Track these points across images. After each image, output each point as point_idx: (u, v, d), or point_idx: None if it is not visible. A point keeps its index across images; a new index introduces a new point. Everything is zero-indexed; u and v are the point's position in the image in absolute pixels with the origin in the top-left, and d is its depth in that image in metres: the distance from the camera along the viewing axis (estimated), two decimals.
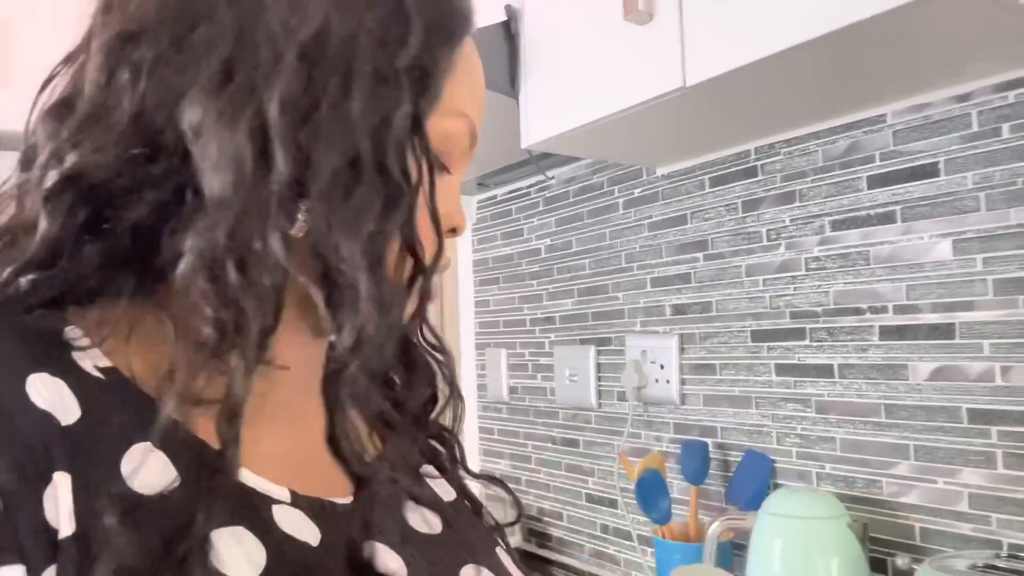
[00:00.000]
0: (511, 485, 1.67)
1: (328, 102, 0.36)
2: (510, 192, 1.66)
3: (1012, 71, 0.87)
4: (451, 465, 0.54)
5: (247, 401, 0.34)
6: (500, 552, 0.50)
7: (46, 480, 0.31)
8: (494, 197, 1.71)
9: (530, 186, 1.60)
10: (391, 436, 0.51)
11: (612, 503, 1.39)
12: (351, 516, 0.41)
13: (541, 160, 1.42)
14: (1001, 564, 0.79)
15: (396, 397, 0.53)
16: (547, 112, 1.06)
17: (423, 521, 0.46)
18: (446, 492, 0.51)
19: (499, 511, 0.58)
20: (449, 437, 0.55)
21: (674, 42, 0.86)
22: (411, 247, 0.40)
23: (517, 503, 0.56)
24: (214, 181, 0.34)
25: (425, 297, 0.43)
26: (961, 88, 0.92)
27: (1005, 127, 0.88)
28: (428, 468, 0.53)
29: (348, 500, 0.43)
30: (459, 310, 1.85)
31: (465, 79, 0.44)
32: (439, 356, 0.54)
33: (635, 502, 1.19)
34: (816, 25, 0.73)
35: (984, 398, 0.90)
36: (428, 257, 0.41)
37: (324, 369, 0.46)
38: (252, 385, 0.35)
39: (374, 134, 0.37)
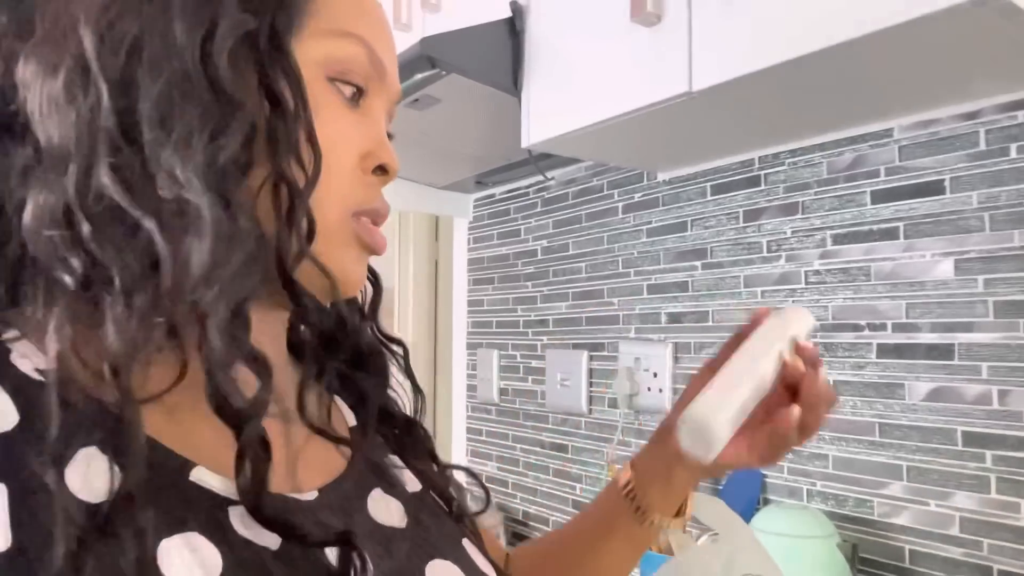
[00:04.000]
0: (498, 488, 1.65)
1: (149, 27, 0.35)
2: (508, 191, 1.65)
3: (1020, 91, 0.86)
4: (418, 457, 0.53)
5: (131, 357, 0.32)
6: (466, 543, 0.49)
7: None
8: (492, 196, 1.69)
9: (529, 186, 1.59)
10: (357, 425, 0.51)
11: None
12: (316, 512, 0.39)
13: (540, 160, 1.40)
14: None
15: (359, 388, 0.52)
16: (550, 112, 1.04)
17: (388, 514, 0.45)
18: (411, 483, 0.50)
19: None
20: (417, 427, 0.54)
21: (682, 46, 0.84)
22: (281, 175, 0.37)
23: (486, 492, 0.56)
24: (43, 132, 0.34)
25: (304, 227, 0.38)
26: (969, 106, 0.90)
27: (1013, 147, 0.87)
28: (393, 459, 0.51)
29: (313, 496, 0.40)
30: (452, 309, 1.83)
31: None
32: (393, 347, 0.54)
33: None
34: (824, 36, 0.71)
35: (980, 421, 0.88)
36: (306, 185, 0.38)
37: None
38: (133, 337, 0.32)
39: (202, 51, 0.35)
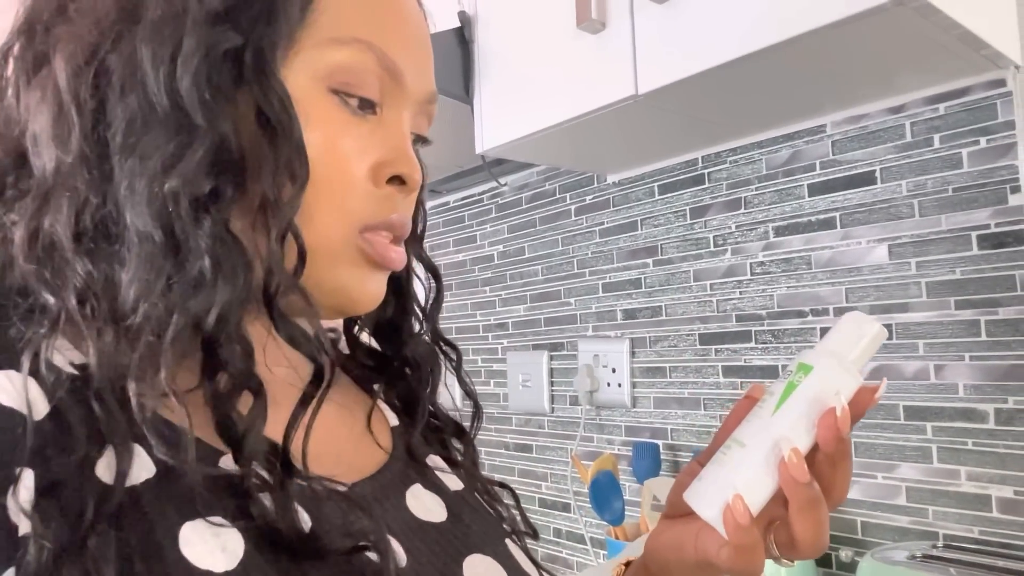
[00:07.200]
0: None
1: (118, 53, 0.35)
2: (462, 199, 1.67)
3: (941, 84, 0.92)
4: (468, 465, 0.53)
5: (118, 372, 0.33)
6: (510, 543, 0.48)
7: (10, 477, 0.30)
8: (446, 204, 1.71)
9: (482, 193, 1.61)
10: (403, 422, 0.51)
11: (565, 507, 1.41)
12: (347, 501, 0.39)
13: (494, 167, 1.43)
14: (938, 554, 0.83)
15: (409, 387, 0.52)
16: (501, 118, 1.07)
17: (426, 509, 0.45)
18: (453, 484, 0.50)
19: None
20: (467, 435, 0.54)
21: (626, 51, 0.88)
22: (264, 198, 0.36)
23: (528, 524, 0.52)
24: (37, 163, 0.35)
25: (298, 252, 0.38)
26: (895, 100, 0.96)
27: (936, 137, 0.93)
28: (438, 461, 0.51)
29: (344, 487, 0.41)
30: None
31: (351, 1, 0.40)
32: (451, 353, 0.53)
33: (588, 505, 1.20)
34: (758, 39, 0.76)
35: (920, 395, 0.94)
36: (285, 204, 0.37)
37: None
38: (113, 356, 0.33)
39: (166, 75, 0.35)
